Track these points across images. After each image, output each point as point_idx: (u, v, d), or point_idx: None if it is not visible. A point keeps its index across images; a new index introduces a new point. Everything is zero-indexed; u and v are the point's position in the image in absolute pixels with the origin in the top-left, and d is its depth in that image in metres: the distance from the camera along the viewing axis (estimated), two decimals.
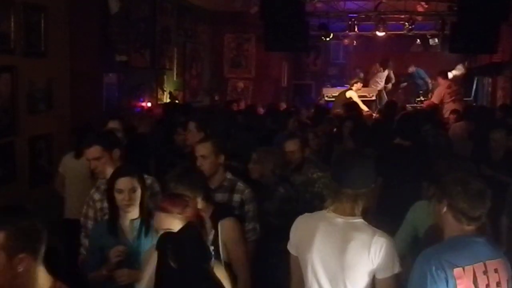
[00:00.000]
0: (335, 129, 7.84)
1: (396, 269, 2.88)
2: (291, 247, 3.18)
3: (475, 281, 2.61)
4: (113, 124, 5.74)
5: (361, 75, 14.74)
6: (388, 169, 5.28)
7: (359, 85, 12.42)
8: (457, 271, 2.60)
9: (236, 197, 4.24)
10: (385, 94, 14.08)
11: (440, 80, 11.79)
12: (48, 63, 6.79)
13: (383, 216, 3.80)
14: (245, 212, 4.21)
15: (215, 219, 3.59)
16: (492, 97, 12.53)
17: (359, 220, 2.99)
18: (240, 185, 4.29)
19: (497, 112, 9.08)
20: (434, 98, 11.68)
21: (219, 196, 4.21)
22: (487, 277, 2.63)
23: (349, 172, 2.96)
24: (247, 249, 3.85)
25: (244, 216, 4.17)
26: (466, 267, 2.61)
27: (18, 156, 6.23)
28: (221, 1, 11.88)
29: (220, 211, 3.71)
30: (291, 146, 5.19)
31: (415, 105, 13.22)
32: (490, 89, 12.94)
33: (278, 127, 7.52)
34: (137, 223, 3.64)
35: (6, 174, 6.03)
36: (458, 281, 2.59)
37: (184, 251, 3.22)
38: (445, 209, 2.75)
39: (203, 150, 4.34)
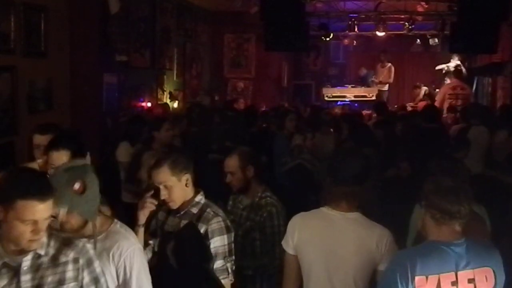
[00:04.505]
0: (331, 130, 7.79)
1: None
2: (289, 246, 3.18)
3: None
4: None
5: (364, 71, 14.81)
6: None
7: None
8: (418, 279, 2.52)
9: (202, 228, 3.30)
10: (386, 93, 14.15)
11: (452, 78, 11.72)
12: (48, 63, 6.79)
13: None
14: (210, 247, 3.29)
15: None
16: (492, 97, 12.52)
17: (358, 215, 3.07)
18: (209, 212, 3.36)
19: (497, 113, 9.07)
20: (437, 96, 11.60)
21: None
22: None
23: (344, 169, 3.06)
24: None
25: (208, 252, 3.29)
26: (430, 276, 2.52)
27: (18, 156, 6.22)
28: (221, 1, 11.87)
29: None
30: (230, 165, 4.04)
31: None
32: (490, 89, 12.93)
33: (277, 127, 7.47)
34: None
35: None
36: None
37: (184, 251, 3.22)
38: (424, 212, 2.71)
39: (230, 165, 4.00)
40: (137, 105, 9.43)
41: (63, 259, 2.54)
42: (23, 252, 2.44)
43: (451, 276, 2.54)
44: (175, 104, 10.92)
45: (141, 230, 3.28)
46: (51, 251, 2.53)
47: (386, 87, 14.40)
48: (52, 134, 3.86)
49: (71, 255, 2.56)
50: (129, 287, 2.83)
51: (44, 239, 2.47)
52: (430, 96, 12.99)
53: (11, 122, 6.13)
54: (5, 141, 6.03)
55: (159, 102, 10.30)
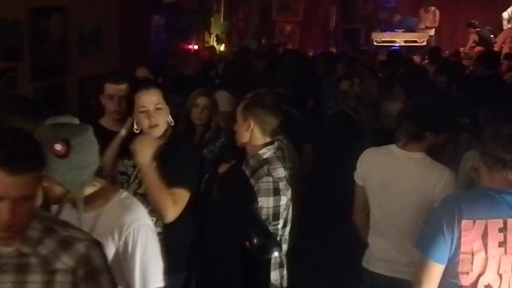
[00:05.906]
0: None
1: None
2: (358, 177, 3.37)
3: (484, 237, 2.47)
4: (141, 72, 5.04)
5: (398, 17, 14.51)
6: None
7: None
8: (465, 223, 2.47)
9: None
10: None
11: None
12: (98, 4, 6.81)
13: None
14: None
15: None
16: None
17: (423, 156, 3.16)
18: (264, 169, 3.22)
19: None
20: (498, 39, 11.08)
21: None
22: (504, 235, 2.47)
23: (421, 113, 3.19)
24: None
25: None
26: (478, 221, 2.47)
27: (69, 96, 6.36)
28: None
29: None
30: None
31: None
32: None
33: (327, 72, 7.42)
34: None
35: (58, 113, 6.16)
36: (463, 233, 2.46)
37: (229, 192, 3.30)
38: (479, 158, 2.68)
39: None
40: (185, 47, 9.46)
41: (57, 265, 1.88)
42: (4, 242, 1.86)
43: (499, 222, 2.49)
44: (222, 47, 10.90)
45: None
46: (43, 251, 1.88)
47: (432, 32, 13.97)
48: (127, 84, 3.53)
49: (69, 262, 1.89)
50: (131, 268, 2.32)
51: (34, 233, 1.88)
52: (484, 40, 12.43)
53: (61, 63, 6.22)
54: (56, 82, 6.16)
55: (206, 45, 10.31)
